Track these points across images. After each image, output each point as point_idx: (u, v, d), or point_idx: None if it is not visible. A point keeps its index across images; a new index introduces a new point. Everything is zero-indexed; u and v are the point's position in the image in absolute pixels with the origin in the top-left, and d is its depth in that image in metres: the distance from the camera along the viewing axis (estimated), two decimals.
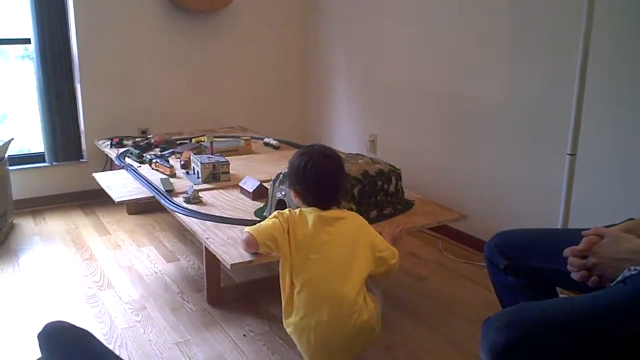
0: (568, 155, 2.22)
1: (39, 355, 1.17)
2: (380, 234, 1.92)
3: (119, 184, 2.78)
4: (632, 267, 1.25)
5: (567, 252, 1.36)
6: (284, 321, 1.86)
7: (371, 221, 2.06)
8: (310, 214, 1.80)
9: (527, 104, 2.71)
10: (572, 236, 1.40)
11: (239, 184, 2.69)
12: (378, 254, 1.84)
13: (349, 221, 1.83)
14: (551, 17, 2.55)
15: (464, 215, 2.37)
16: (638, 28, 2.21)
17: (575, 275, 1.34)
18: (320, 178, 1.81)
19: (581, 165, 2.31)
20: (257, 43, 4.28)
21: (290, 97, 4.52)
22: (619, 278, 1.27)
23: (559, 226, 2.30)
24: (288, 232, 1.80)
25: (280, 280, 1.84)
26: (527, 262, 1.56)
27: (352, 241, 1.79)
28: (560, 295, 1.64)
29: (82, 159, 3.90)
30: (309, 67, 4.45)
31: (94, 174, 3.00)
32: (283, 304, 1.84)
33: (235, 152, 3.38)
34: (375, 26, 3.67)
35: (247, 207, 2.46)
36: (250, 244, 1.83)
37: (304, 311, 1.77)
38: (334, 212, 1.82)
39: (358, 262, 1.79)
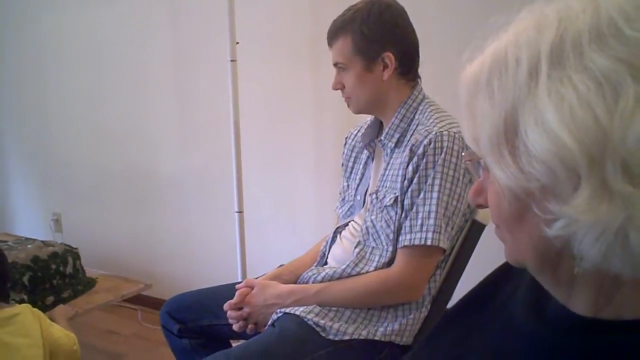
0: (236, 213, 2.42)
1: None
2: (52, 317, 1.81)
3: None
4: (279, 310, 1.42)
5: (225, 306, 1.48)
6: None
7: (48, 308, 1.98)
8: None
9: (197, 172, 2.92)
10: (234, 290, 1.53)
11: None
12: (56, 344, 1.74)
13: (24, 316, 1.69)
14: (209, 95, 2.79)
15: (149, 285, 2.39)
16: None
17: (235, 327, 1.47)
18: None
19: (250, 220, 2.53)
20: None
21: None
22: (270, 322, 1.43)
23: (239, 280, 2.46)
24: None
25: None
26: (197, 322, 1.65)
27: (35, 337, 1.66)
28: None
29: None
30: None
31: None
32: None
33: None
34: (43, 96, 3.52)
35: None
36: None
37: None
38: (5, 311, 1.67)
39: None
